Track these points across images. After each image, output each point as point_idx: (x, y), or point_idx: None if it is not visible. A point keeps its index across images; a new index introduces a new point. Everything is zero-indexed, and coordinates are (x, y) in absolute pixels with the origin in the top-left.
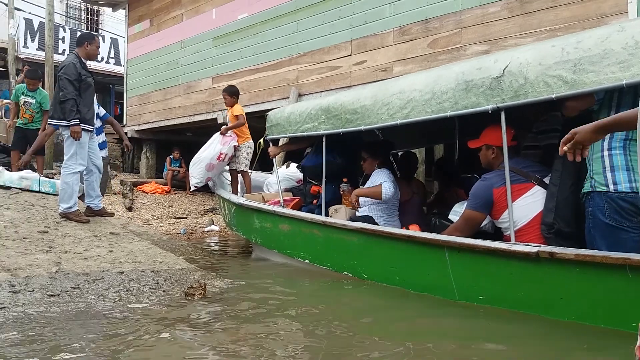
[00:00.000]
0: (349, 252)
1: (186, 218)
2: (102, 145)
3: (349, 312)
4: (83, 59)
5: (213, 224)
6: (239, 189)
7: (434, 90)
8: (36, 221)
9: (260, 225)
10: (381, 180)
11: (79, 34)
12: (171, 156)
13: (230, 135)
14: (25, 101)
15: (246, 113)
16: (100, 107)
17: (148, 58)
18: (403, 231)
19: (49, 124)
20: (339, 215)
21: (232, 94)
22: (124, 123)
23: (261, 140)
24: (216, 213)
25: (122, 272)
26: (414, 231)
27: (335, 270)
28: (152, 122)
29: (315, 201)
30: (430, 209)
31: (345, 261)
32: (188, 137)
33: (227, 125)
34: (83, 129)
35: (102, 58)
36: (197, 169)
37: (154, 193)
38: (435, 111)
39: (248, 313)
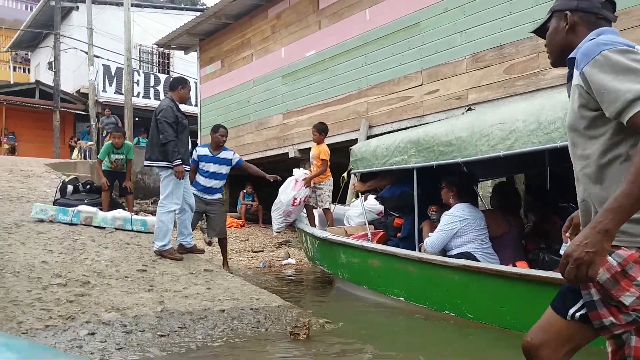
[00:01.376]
0: (450, 290)
1: (262, 251)
2: (218, 190)
3: (457, 356)
4: (177, 102)
5: (289, 257)
6: (317, 222)
7: (539, 120)
8: (134, 259)
9: (347, 260)
10: (439, 227)
11: (152, 77)
12: (244, 190)
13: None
14: (115, 159)
15: None
16: (235, 154)
17: (220, 97)
18: (514, 269)
19: (145, 165)
20: None
21: (321, 131)
22: None
23: (344, 174)
24: (290, 246)
25: (224, 311)
26: (526, 269)
27: (434, 309)
28: None
29: (399, 234)
30: (529, 242)
31: (446, 300)
32: None
33: (306, 172)
34: None
35: None
36: (277, 216)
37: (229, 227)
38: (542, 142)
39: (357, 355)
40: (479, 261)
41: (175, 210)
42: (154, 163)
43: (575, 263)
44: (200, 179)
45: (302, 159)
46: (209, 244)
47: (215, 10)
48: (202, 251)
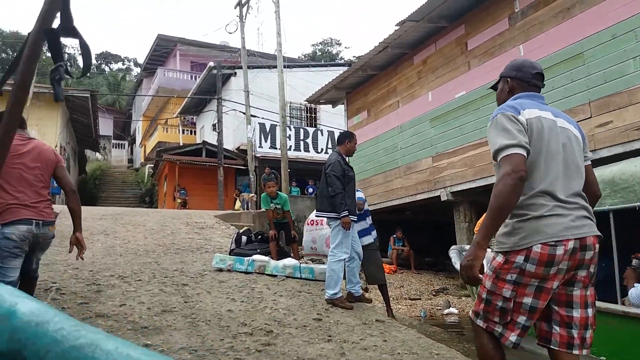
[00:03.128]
0: None
1: (420, 299)
2: (369, 230)
3: None
4: (344, 155)
5: (451, 306)
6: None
7: None
8: (308, 308)
9: None
10: None
11: (301, 131)
12: (394, 235)
13: None
14: (275, 207)
15: (472, 188)
16: (360, 191)
17: (367, 145)
18: None
19: (317, 215)
20: None
21: None
22: None
23: None
24: (448, 293)
25: None
26: None
27: None
28: (375, 204)
29: None
30: None
31: None
32: (407, 216)
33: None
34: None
35: (322, 149)
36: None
37: None
38: None
39: None
40: None
41: (345, 259)
42: (324, 214)
43: (463, 270)
44: None
45: (455, 201)
46: (366, 290)
47: (361, 64)
48: (369, 300)
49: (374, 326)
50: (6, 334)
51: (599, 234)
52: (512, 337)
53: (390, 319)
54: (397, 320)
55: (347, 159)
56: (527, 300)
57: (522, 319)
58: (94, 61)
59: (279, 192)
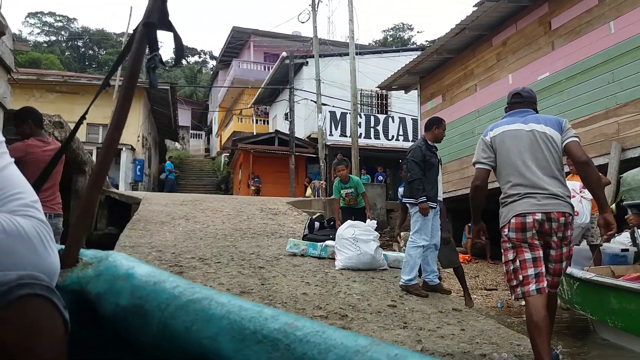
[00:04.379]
0: None
1: (497, 289)
2: None
3: None
4: (429, 142)
5: None
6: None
7: None
8: (381, 294)
9: (619, 306)
10: None
11: (372, 118)
12: (469, 224)
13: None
14: (346, 193)
15: None
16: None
17: None
18: None
19: (402, 202)
20: None
21: None
22: None
23: (613, 207)
24: None
25: (484, 355)
26: None
27: None
28: (449, 191)
29: None
30: None
31: None
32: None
33: None
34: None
35: (392, 136)
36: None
37: None
38: None
39: None
40: None
41: (424, 246)
42: (405, 200)
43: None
44: None
45: None
46: (439, 278)
47: (437, 47)
48: (448, 291)
49: (450, 315)
50: (127, 291)
51: (564, 210)
52: (532, 287)
53: (468, 309)
54: (474, 309)
55: (434, 145)
56: (527, 255)
57: (531, 271)
58: (172, 55)
59: (350, 176)
